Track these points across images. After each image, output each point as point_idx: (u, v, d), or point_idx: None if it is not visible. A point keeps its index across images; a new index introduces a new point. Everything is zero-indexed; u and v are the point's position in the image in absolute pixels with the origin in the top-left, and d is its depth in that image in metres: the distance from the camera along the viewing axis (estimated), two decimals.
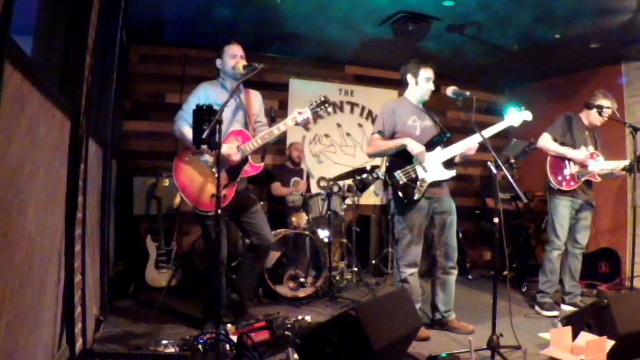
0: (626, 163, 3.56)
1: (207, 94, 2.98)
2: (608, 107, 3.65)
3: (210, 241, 3.01)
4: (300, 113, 2.91)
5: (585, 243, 3.82)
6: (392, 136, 3.18)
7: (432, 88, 3.22)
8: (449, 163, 3.16)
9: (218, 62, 3.09)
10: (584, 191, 3.70)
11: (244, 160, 2.96)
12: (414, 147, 3.03)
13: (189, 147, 2.83)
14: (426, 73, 3.18)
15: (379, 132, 3.19)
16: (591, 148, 3.71)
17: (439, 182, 3.14)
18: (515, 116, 3.11)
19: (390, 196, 3.22)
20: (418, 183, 3.06)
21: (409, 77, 3.24)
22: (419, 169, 3.08)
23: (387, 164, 3.16)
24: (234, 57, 3.02)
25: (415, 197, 3.05)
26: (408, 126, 3.17)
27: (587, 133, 3.76)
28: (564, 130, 3.71)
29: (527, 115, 3.12)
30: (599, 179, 3.69)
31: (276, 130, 2.92)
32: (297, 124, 2.93)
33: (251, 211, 3.13)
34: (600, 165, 3.63)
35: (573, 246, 3.77)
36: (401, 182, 3.07)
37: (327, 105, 2.97)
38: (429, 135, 3.16)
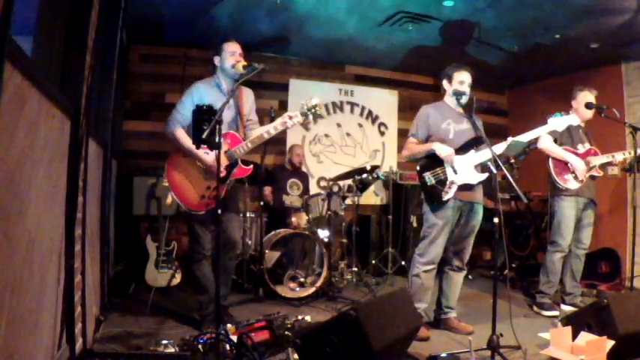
0: (623, 155, 3.63)
1: (201, 95, 2.96)
2: (595, 99, 3.71)
3: (195, 241, 3.06)
4: (290, 118, 2.88)
5: (589, 243, 3.81)
6: (427, 139, 3.22)
7: (467, 90, 3.18)
8: (483, 168, 3.13)
9: (216, 60, 3.06)
10: (589, 188, 3.70)
11: (234, 163, 2.96)
12: (442, 150, 3.07)
13: (182, 149, 2.93)
14: (460, 77, 3.20)
15: (413, 135, 3.26)
16: (587, 145, 3.74)
17: (472, 186, 3.13)
18: (559, 121, 3.01)
19: (422, 196, 3.28)
20: (447, 185, 3.08)
21: (445, 82, 3.27)
22: (449, 171, 3.10)
23: (419, 166, 3.20)
24: (233, 54, 3.00)
25: (443, 199, 3.07)
26: (442, 129, 3.19)
27: (580, 130, 3.78)
28: (562, 130, 3.70)
29: (573, 119, 3.09)
30: (602, 173, 3.71)
31: (266, 134, 2.91)
32: (287, 128, 2.92)
33: (229, 207, 3.11)
34: (600, 159, 3.66)
35: (577, 247, 3.76)
36: (429, 184, 3.12)
37: (317, 109, 2.90)
38: (464, 138, 3.16)
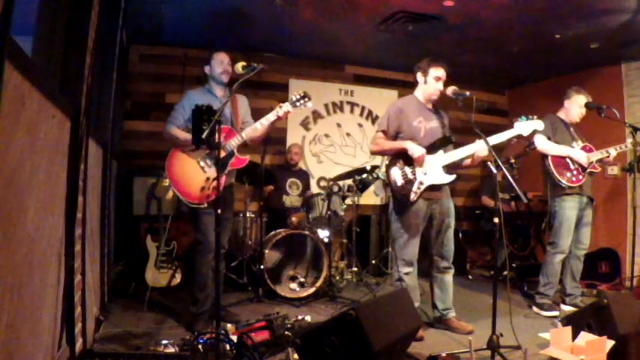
0: (615, 150, 3.66)
1: (193, 102, 3.00)
2: (589, 102, 3.76)
3: (202, 235, 3.09)
4: (280, 107, 3.03)
5: (588, 243, 3.80)
6: (396, 136, 3.17)
7: (441, 87, 3.13)
8: (451, 167, 3.14)
9: (207, 69, 3.21)
10: (588, 185, 3.71)
11: (230, 154, 3.06)
12: (415, 151, 3.02)
13: (180, 144, 3.03)
14: (436, 72, 3.13)
15: (383, 131, 3.19)
16: (580, 143, 3.76)
17: (439, 186, 3.12)
18: (525, 125, 3.01)
19: (389, 194, 3.23)
20: (415, 185, 3.05)
21: (419, 75, 3.21)
22: (418, 171, 3.07)
23: (387, 163, 3.15)
24: (221, 63, 3.16)
25: (411, 198, 3.04)
26: (413, 127, 3.14)
27: (571, 129, 3.80)
28: (553, 130, 3.71)
29: (539, 125, 3.03)
30: (599, 169, 3.75)
31: (259, 125, 3.04)
32: (279, 118, 3.03)
33: (225, 210, 3.14)
34: (596, 155, 3.67)
35: (577, 247, 3.76)
36: (398, 183, 3.07)
37: (306, 99, 3.07)
38: (434, 137, 3.14)
